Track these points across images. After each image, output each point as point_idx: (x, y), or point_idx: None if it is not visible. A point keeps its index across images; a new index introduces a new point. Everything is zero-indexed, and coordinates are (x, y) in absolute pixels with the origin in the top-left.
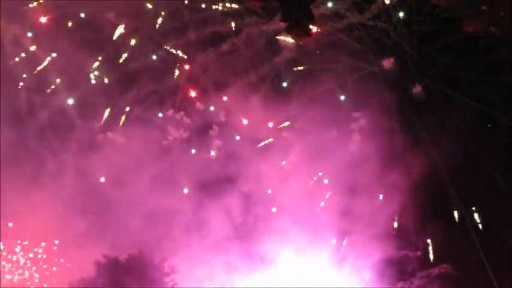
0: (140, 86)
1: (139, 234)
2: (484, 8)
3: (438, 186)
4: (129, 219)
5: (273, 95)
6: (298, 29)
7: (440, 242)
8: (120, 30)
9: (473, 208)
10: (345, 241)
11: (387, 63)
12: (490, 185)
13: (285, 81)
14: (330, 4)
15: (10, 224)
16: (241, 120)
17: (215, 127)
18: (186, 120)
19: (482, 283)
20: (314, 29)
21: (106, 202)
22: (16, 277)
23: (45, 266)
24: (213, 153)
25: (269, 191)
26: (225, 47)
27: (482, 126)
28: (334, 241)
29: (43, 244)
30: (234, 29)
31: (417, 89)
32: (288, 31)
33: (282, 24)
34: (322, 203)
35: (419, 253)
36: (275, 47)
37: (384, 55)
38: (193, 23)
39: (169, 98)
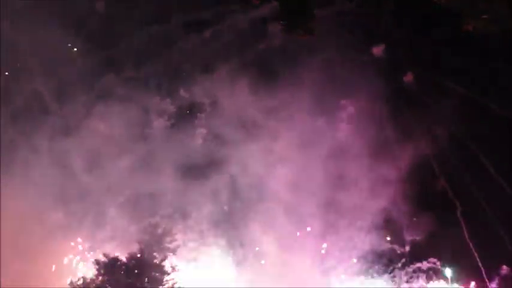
0: (125, 70)
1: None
2: (483, 7)
3: (428, 177)
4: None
5: (260, 82)
6: (299, 28)
7: (429, 236)
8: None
9: (464, 199)
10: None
11: (377, 50)
12: (481, 173)
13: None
14: None
15: None
16: (227, 106)
17: (200, 115)
18: (172, 108)
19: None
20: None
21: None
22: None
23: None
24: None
25: (256, 180)
26: (208, 32)
27: (474, 114)
28: (320, 232)
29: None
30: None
31: (409, 77)
32: (289, 30)
33: (268, 11)
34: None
35: (407, 247)
36: (262, 33)
37: (374, 43)
38: (178, 8)
39: (155, 83)
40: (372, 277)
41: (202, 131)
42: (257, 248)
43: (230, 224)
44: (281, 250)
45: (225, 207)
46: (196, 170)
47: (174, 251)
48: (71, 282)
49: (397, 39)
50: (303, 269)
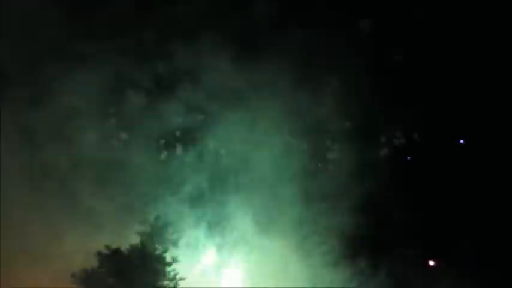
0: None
1: None
2: None
3: (414, 156)
4: None
5: (242, 55)
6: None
7: (414, 221)
8: None
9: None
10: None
11: (364, 25)
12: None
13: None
14: None
15: None
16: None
17: (180, 87)
18: (150, 84)
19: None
20: None
21: None
22: None
23: None
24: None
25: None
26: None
27: (461, 90)
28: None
29: None
30: None
31: (398, 56)
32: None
33: None
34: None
35: (392, 232)
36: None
37: (361, 16)
38: None
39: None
40: (353, 262)
41: (181, 104)
42: (237, 231)
43: (210, 204)
44: (260, 233)
45: (205, 186)
46: (175, 146)
47: (175, 243)
48: (73, 274)
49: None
50: (282, 253)
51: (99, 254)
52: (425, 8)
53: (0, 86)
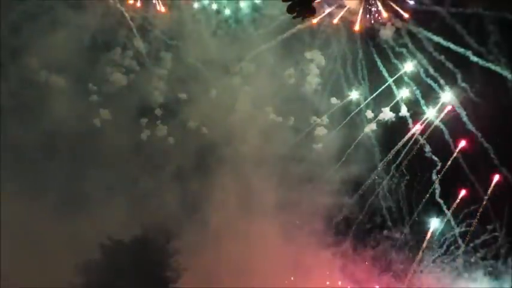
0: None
1: None
2: None
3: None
4: None
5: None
6: (301, 7)
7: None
8: None
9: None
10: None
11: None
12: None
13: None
14: None
15: None
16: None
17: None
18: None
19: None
20: None
21: None
22: None
23: None
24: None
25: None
26: None
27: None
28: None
29: None
30: None
31: (388, 32)
32: (291, 9)
33: None
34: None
35: (380, 214)
36: None
37: None
38: None
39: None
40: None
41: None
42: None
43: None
44: (243, 216)
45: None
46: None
47: (177, 234)
48: (76, 265)
49: None
50: (265, 238)
51: (101, 245)
52: None
53: None
